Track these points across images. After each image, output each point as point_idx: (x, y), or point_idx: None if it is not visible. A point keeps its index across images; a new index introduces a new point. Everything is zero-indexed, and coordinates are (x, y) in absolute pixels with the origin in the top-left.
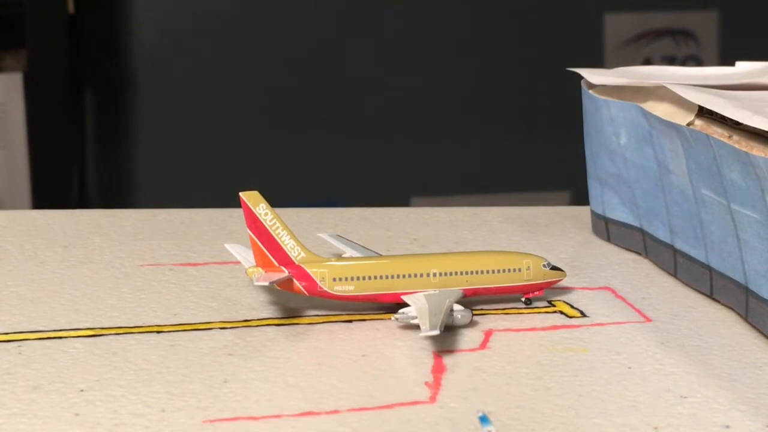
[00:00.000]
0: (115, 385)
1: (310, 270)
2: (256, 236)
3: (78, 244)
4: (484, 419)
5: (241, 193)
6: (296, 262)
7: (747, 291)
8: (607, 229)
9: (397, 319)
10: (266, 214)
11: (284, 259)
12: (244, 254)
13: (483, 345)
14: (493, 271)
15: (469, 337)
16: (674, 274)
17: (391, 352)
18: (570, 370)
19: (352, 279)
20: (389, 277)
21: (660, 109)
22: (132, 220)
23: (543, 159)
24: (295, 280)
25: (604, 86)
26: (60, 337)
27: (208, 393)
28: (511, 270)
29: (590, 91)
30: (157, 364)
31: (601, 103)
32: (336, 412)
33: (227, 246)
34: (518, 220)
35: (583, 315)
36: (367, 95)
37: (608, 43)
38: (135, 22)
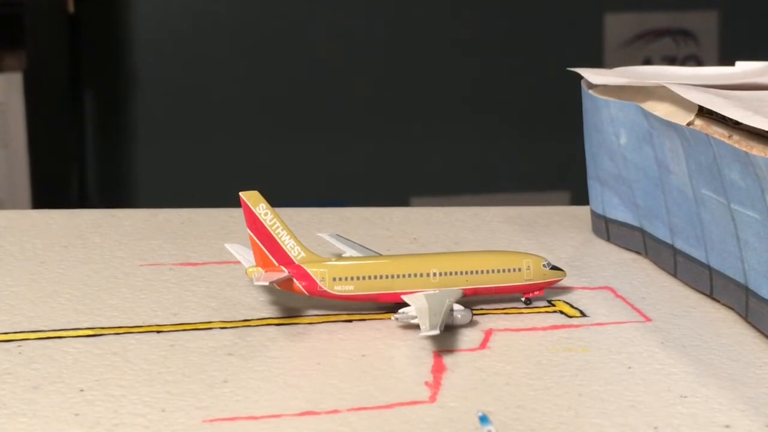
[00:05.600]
0: (115, 385)
1: (310, 270)
2: (256, 236)
3: (78, 244)
4: (484, 419)
5: (241, 193)
6: (296, 262)
7: (747, 291)
8: (607, 229)
9: (397, 319)
10: (266, 214)
11: (284, 259)
12: (244, 254)
13: (483, 345)
14: (493, 271)
15: (469, 337)
16: (674, 274)
17: (391, 352)
18: (570, 370)
19: (352, 279)
20: (389, 277)
21: (660, 109)
22: (132, 220)
23: (543, 159)
24: (295, 280)
25: (604, 86)
26: (60, 337)
27: (208, 393)
28: (511, 270)
29: (590, 91)
30: (157, 364)
31: (601, 103)
32: (336, 412)
33: (227, 246)
34: (518, 220)
35: (583, 315)
36: (367, 95)
37: (608, 43)
38: (135, 22)
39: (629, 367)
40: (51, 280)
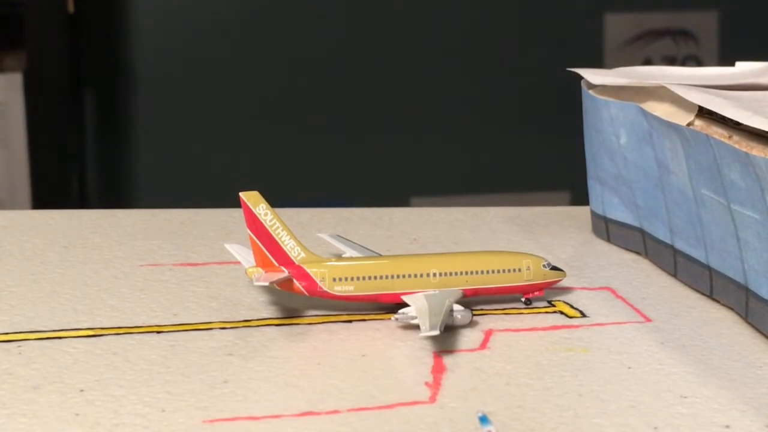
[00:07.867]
0: (115, 385)
1: (310, 270)
2: (256, 236)
3: (78, 244)
4: (484, 419)
5: (241, 193)
6: (296, 262)
7: (747, 291)
8: (607, 229)
9: (397, 319)
10: (266, 214)
11: (284, 259)
12: (244, 254)
13: (483, 345)
14: (493, 271)
15: (469, 337)
16: (674, 274)
17: (391, 352)
18: (570, 370)
19: (352, 279)
20: (389, 277)
21: (660, 109)
22: (132, 220)
23: (543, 159)
24: (295, 280)
25: (604, 86)
26: (60, 337)
27: (208, 393)
28: (511, 270)
29: (590, 92)
30: (157, 364)
31: (601, 104)
32: (336, 412)
33: (227, 246)
34: (518, 220)
35: (583, 315)
36: (367, 95)
37: (608, 43)
38: (135, 22)
39: (629, 367)
40: (51, 280)
